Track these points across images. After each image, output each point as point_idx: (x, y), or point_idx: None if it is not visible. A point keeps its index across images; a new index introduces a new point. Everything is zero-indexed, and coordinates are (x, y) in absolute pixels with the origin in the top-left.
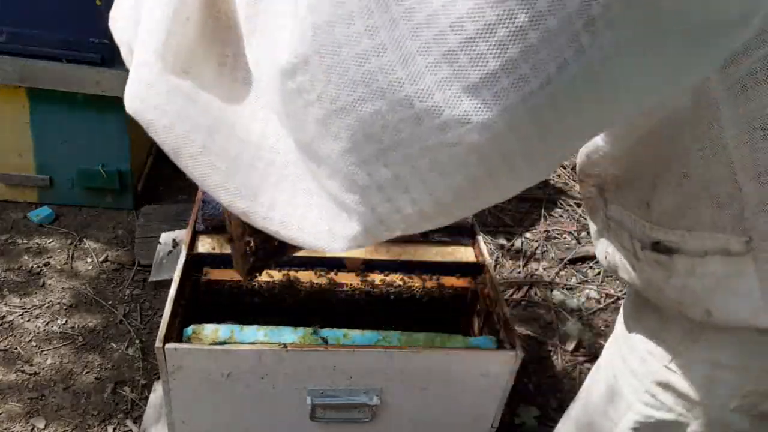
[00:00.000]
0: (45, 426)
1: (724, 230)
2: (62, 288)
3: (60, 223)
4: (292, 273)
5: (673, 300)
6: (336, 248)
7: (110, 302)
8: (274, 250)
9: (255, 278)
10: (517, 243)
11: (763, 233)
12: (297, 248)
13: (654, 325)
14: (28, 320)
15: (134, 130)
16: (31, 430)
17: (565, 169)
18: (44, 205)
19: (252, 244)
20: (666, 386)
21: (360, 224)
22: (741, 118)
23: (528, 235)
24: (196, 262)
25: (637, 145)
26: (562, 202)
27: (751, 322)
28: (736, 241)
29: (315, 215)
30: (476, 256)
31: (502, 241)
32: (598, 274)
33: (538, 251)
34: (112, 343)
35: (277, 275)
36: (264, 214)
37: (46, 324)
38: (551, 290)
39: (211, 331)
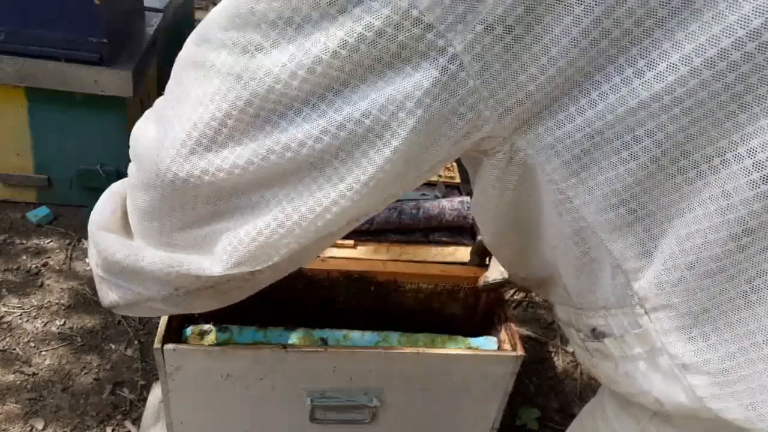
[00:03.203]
0: (44, 427)
1: (626, 304)
2: (61, 288)
3: (59, 223)
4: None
5: (627, 392)
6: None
7: None
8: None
9: None
10: None
11: (651, 301)
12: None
13: (625, 400)
14: (27, 321)
15: None
16: (30, 430)
17: None
18: (43, 205)
19: None
20: None
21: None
22: (563, 169)
23: None
24: None
25: (514, 234)
26: None
27: (691, 407)
28: (639, 314)
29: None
30: None
31: None
32: None
33: None
34: (111, 344)
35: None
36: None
37: (45, 324)
38: None
39: (210, 331)
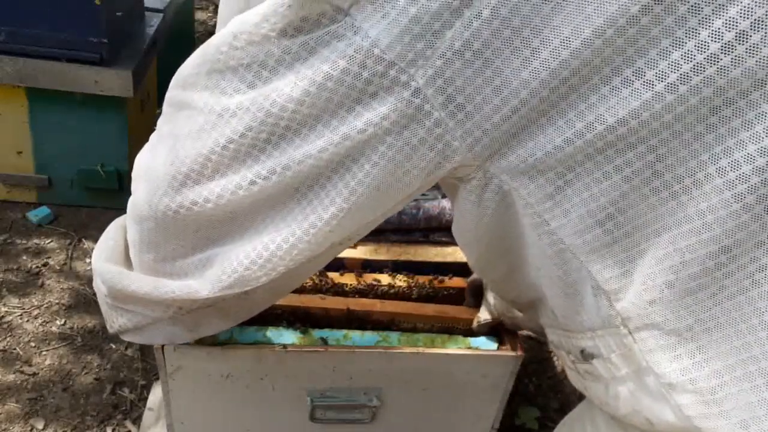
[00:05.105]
0: (44, 427)
1: (610, 325)
2: (61, 288)
3: (59, 223)
4: None
5: (619, 414)
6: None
7: None
8: None
9: None
10: None
11: (634, 321)
12: None
13: None
14: (27, 321)
15: (134, 129)
16: (30, 430)
17: None
18: (43, 205)
19: None
20: None
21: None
22: (536, 193)
23: None
24: None
25: (497, 256)
26: None
27: (681, 426)
28: (624, 334)
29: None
30: None
31: None
32: None
33: None
34: (111, 344)
35: None
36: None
37: (45, 324)
38: None
39: None
